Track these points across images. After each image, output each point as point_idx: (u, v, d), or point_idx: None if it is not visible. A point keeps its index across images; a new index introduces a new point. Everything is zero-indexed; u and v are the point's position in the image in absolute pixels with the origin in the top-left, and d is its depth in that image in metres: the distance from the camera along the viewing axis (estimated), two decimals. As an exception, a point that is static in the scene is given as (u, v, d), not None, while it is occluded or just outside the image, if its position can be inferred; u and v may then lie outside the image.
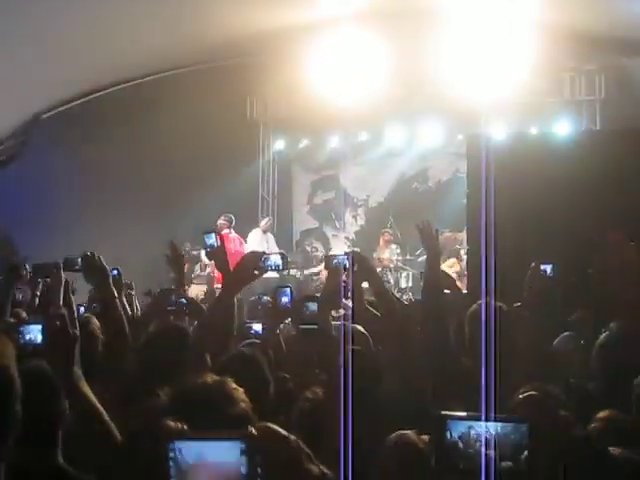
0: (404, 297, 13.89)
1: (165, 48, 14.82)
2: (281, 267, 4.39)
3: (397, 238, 15.41)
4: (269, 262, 4.28)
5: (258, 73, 15.64)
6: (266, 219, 16.27)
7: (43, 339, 3.58)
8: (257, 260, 4.11)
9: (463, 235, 14.50)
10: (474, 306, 4.43)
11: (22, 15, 11.96)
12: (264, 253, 4.34)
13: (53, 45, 13.26)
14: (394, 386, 3.83)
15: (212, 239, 4.62)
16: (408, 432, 2.93)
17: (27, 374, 2.87)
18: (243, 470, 1.61)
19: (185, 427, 1.74)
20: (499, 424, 1.95)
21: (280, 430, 1.83)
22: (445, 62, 13.53)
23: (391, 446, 2.93)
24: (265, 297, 7.58)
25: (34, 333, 3.81)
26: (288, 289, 5.11)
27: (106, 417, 2.81)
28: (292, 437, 1.84)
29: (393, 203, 17.38)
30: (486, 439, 1.93)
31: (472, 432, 1.96)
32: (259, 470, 1.61)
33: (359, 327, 4.71)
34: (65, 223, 14.80)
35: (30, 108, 15.42)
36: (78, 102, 15.85)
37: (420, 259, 15.45)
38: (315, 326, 3.39)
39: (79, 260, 5.08)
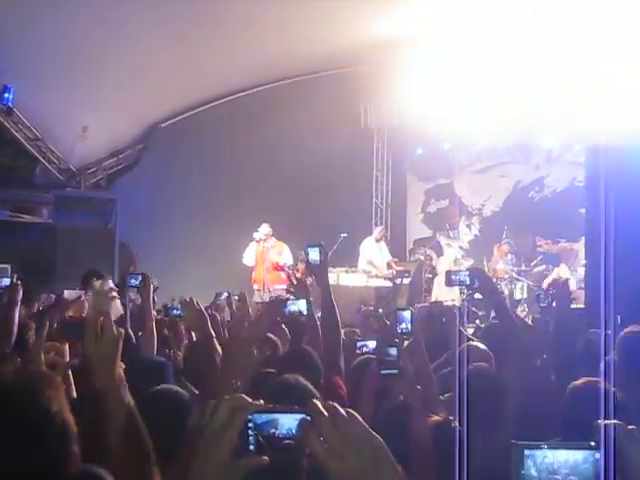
0: (519, 309, 13.69)
1: (280, 57, 15.10)
2: (305, 312, 4.18)
3: (512, 248, 15.18)
4: (293, 308, 4.13)
5: (372, 81, 15.68)
6: (379, 228, 15.94)
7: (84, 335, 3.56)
8: (281, 307, 4.06)
9: (579, 245, 14.19)
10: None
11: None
12: (288, 300, 4.24)
13: (169, 60, 13.77)
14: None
15: (316, 254, 4.30)
16: None
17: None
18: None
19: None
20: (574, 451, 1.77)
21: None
22: (561, 73, 13.25)
23: None
24: (380, 310, 7.50)
25: (77, 330, 3.59)
26: (408, 313, 4.27)
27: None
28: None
29: (508, 212, 17.11)
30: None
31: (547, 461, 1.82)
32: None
33: (480, 344, 4.44)
34: (178, 225, 15.26)
35: (148, 119, 16.01)
36: (192, 112, 16.33)
37: (535, 270, 15.19)
38: (396, 371, 3.18)
39: (179, 305, 5.09)
